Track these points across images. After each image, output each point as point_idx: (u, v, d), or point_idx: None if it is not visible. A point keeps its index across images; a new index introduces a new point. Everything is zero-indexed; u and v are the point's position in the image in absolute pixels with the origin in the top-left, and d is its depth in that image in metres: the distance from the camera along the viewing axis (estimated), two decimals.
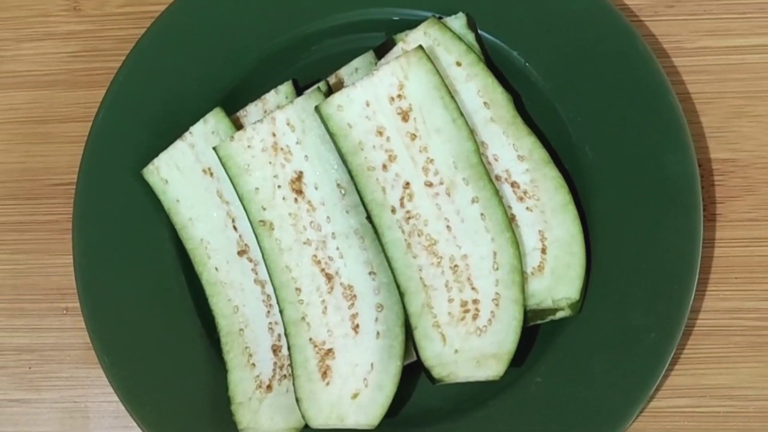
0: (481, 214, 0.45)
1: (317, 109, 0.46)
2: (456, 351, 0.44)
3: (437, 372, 0.44)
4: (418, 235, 0.45)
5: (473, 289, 0.45)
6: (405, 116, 0.46)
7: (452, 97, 0.46)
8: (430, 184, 0.45)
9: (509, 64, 0.50)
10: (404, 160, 0.46)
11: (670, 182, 0.46)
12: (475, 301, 0.45)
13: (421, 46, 0.46)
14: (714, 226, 0.49)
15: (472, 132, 0.46)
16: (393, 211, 0.45)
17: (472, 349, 0.44)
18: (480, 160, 0.45)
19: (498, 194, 0.45)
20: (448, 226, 0.45)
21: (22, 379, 0.52)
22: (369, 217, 0.46)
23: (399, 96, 0.46)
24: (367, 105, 0.46)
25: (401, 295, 0.45)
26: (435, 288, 0.45)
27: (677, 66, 0.51)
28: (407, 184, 0.46)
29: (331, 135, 0.46)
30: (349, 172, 0.46)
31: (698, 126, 0.50)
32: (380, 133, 0.46)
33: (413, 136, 0.46)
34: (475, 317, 0.45)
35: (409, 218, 0.45)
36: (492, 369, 0.44)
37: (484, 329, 0.44)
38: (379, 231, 0.45)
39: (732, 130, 0.50)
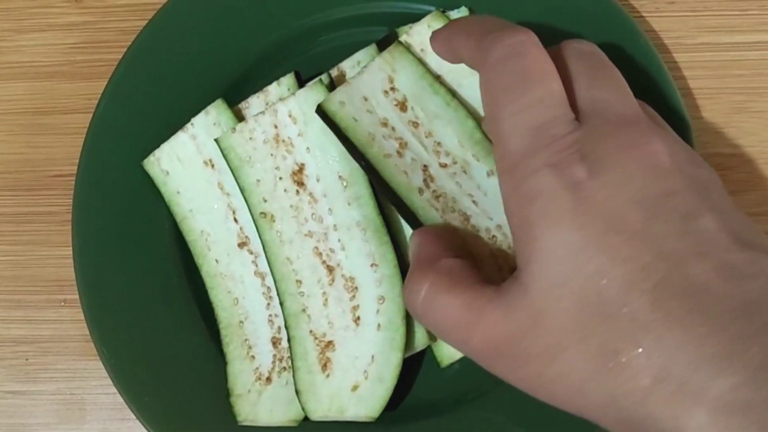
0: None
1: (319, 107, 0.45)
2: None
3: None
4: (451, 212, 0.45)
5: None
6: (402, 107, 0.46)
7: (440, 83, 0.46)
8: (445, 165, 0.45)
9: None
10: (415, 146, 0.46)
11: None
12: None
13: (399, 41, 0.46)
14: None
15: (468, 111, 0.46)
16: (420, 192, 0.45)
17: None
18: (483, 135, 0.45)
19: None
20: (474, 201, 0.45)
21: (19, 371, 0.52)
22: (399, 205, 0.45)
23: (392, 89, 0.46)
24: (365, 100, 0.46)
25: None
26: (481, 260, 0.45)
27: (678, 62, 0.51)
28: (425, 167, 0.45)
29: (341, 130, 0.45)
30: (367, 164, 0.45)
31: (700, 121, 0.50)
32: (385, 125, 0.46)
33: (415, 124, 0.46)
34: None
35: (437, 197, 0.45)
36: None
37: None
38: (415, 213, 0.44)
39: (733, 126, 0.50)
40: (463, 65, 0.48)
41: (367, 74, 0.46)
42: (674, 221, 0.29)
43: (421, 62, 0.46)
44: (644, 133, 0.32)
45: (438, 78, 0.48)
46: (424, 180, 0.45)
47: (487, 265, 0.44)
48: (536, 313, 0.30)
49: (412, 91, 0.46)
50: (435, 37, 0.43)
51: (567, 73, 0.35)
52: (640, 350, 0.28)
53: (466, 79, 0.48)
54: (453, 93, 0.46)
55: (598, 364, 0.29)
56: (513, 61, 0.34)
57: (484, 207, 0.45)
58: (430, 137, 0.46)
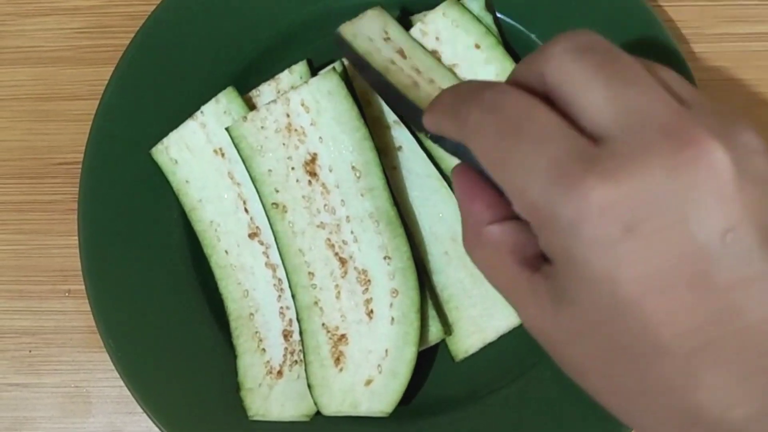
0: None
1: (339, 32, 0.46)
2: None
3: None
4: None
5: None
6: (402, 54, 0.47)
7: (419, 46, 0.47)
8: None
9: (528, 48, 0.49)
10: (423, 84, 0.45)
11: None
12: None
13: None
14: None
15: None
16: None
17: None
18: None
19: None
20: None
21: (21, 363, 0.51)
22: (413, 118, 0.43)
23: (387, 39, 0.47)
24: (371, 40, 0.46)
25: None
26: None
27: (696, 52, 0.50)
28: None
29: (363, 55, 0.45)
30: (388, 83, 0.45)
31: None
32: (393, 63, 0.46)
33: (417, 71, 0.46)
34: None
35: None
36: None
37: None
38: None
39: (751, 118, 0.49)
40: (477, 54, 0.47)
41: (366, 19, 0.47)
42: (729, 269, 0.27)
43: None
44: (692, 143, 0.26)
45: (453, 67, 0.47)
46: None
47: None
48: (575, 333, 0.29)
49: (404, 45, 0.46)
50: (425, 122, 0.35)
51: (571, 87, 0.29)
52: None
53: (481, 69, 0.47)
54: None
55: (625, 397, 0.29)
56: (490, 119, 0.30)
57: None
58: (432, 84, 0.45)
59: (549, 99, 0.30)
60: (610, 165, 0.26)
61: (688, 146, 0.26)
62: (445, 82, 0.45)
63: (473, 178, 0.33)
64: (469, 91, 0.32)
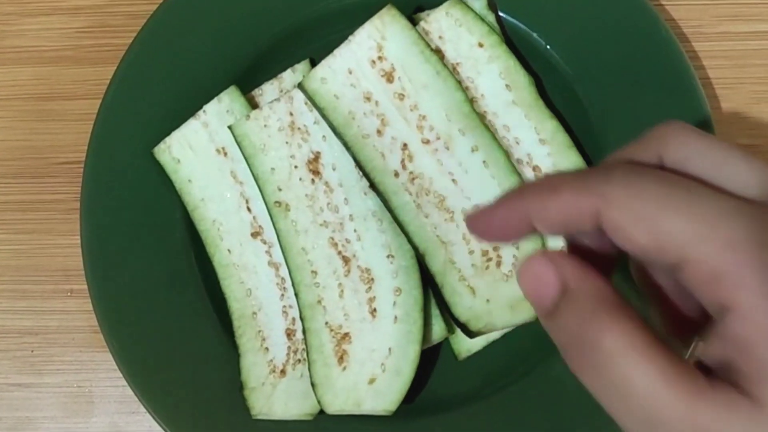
0: (483, 162, 0.45)
1: (301, 86, 0.45)
2: (487, 301, 0.43)
3: (474, 325, 0.43)
4: (426, 194, 0.45)
5: None
6: (389, 77, 0.46)
7: (432, 50, 0.46)
8: (427, 141, 0.45)
9: (530, 46, 0.49)
10: (397, 122, 0.45)
11: None
12: (495, 248, 0.44)
13: (392, 4, 0.46)
14: None
15: (459, 82, 0.46)
16: (396, 175, 0.45)
17: (502, 296, 0.43)
18: (472, 108, 0.45)
19: (496, 140, 0.45)
20: (453, 180, 0.45)
21: (24, 363, 0.51)
22: (372, 186, 0.45)
23: (380, 58, 0.46)
24: (350, 73, 0.45)
25: (422, 256, 0.44)
26: (453, 243, 0.44)
27: (697, 51, 0.50)
28: (405, 145, 0.45)
29: (320, 110, 0.45)
30: (345, 144, 0.45)
31: (719, 111, 0.49)
32: (368, 99, 0.45)
33: (401, 96, 0.46)
34: (498, 264, 0.44)
35: (413, 179, 0.45)
36: (528, 312, 0.43)
37: (511, 274, 0.44)
38: (386, 197, 0.45)
39: (752, 116, 0.50)
40: (480, 52, 0.47)
41: (355, 43, 0.46)
42: None
43: (414, 28, 0.46)
44: None
45: (456, 66, 0.47)
46: (402, 161, 0.45)
47: (458, 249, 0.44)
48: None
49: (401, 59, 0.46)
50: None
51: (706, 159, 0.29)
52: None
53: (484, 67, 0.47)
54: (444, 65, 0.46)
55: None
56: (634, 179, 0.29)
57: (464, 185, 0.45)
58: (414, 110, 0.45)
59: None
60: None
61: None
62: (434, 105, 0.45)
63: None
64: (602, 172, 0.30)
